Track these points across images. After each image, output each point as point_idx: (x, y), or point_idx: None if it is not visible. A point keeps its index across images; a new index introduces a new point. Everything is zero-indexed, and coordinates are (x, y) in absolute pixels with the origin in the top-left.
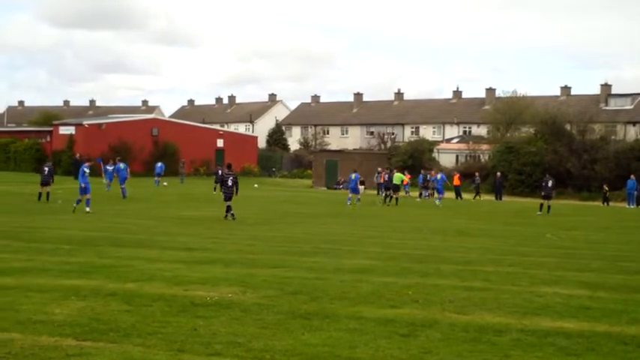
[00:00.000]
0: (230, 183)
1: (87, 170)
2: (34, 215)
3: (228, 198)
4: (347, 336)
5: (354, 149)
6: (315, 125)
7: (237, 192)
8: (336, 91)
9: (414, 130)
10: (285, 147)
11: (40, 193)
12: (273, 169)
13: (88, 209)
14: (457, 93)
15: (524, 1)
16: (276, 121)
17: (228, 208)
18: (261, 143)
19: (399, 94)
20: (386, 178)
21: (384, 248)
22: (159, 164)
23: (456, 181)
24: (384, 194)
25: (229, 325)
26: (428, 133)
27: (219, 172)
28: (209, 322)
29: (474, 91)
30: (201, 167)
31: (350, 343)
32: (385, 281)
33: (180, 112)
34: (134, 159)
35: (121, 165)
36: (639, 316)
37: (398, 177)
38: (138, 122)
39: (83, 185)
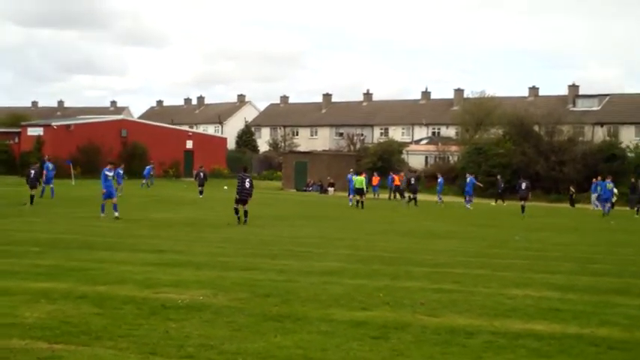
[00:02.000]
0: (248, 185)
1: (109, 174)
2: (3, 218)
3: (243, 201)
4: (319, 338)
5: (324, 150)
6: (284, 126)
7: (251, 195)
8: (305, 92)
9: (383, 131)
10: (255, 148)
11: (31, 197)
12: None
13: (116, 214)
14: (426, 94)
15: (492, 1)
16: (245, 122)
17: (245, 213)
18: (231, 144)
19: (367, 95)
20: (403, 182)
21: (354, 250)
22: (148, 167)
23: (397, 182)
24: (407, 197)
25: (201, 328)
26: (397, 134)
27: (201, 174)
28: (181, 324)
29: (442, 92)
30: (170, 169)
31: (322, 346)
32: (356, 283)
33: (149, 113)
34: (104, 160)
35: (50, 165)
36: (609, 317)
37: (359, 181)
38: (107, 123)
39: (104, 190)
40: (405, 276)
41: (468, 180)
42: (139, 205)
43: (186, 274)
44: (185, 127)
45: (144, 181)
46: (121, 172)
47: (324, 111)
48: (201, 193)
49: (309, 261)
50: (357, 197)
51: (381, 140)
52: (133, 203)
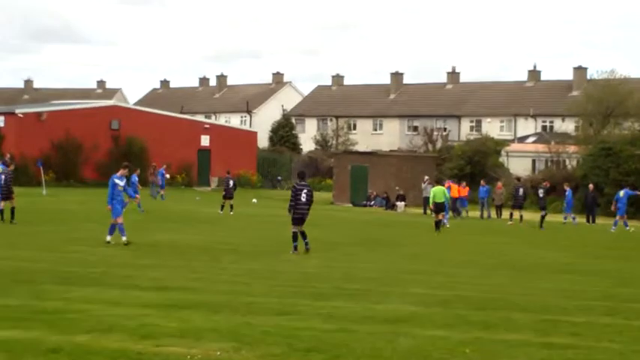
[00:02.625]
0: (304, 198)
1: (119, 183)
2: None
3: (300, 221)
4: None
5: (391, 151)
6: (338, 117)
7: (308, 212)
8: (366, 71)
9: (474, 124)
10: (296, 147)
11: (1, 211)
12: (279, 178)
13: (124, 238)
14: (534, 74)
15: None
16: (283, 110)
17: (304, 235)
18: (262, 141)
19: (453, 75)
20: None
21: (430, 289)
22: (161, 170)
23: (455, 193)
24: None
25: None
26: (494, 128)
27: (230, 182)
28: None
29: (557, 71)
30: (179, 175)
31: None
32: (432, 335)
33: (151, 97)
34: (86, 160)
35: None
36: None
37: (439, 192)
38: (91, 111)
39: (109, 207)
40: (502, 325)
41: (622, 193)
42: (138, 223)
43: (198, 320)
44: (200, 117)
45: (159, 191)
46: (137, 179)
47: (392, 96)
48: (227, 208)
49: (368, 303)
50: (437, 215)
51: (472, 137)
52: (130, 220)
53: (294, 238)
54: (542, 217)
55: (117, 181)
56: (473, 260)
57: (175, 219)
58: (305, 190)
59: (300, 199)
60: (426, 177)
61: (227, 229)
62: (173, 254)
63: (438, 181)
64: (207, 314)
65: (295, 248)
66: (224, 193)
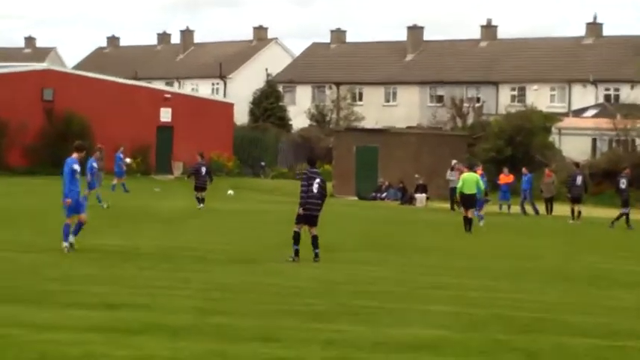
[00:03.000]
0: (316, 190)
1: (76, 168)
2: None
3: (310, 219)
4: None
5: (409, 127)
6: (338, 84)
7: (321, 208)
8: (375, 24)
9: (515, 93)
10: (284, 123)
11: None
12: (262, 164)
13: (71, 239)
14: (594, 27)
15: None
16: (268, 75)
17: (315, 243)
18: (241, 116)
19: (488, 29)
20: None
21: (460, 306)
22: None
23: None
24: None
25: None
26: (542, 99)
27: (203, 169)
28: None
29: (624, 24)
30: (133, 158)
31: None
32: None
33: (94, 59)
34: (12, 142)
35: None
36: None
37: (470, 180)
38: (17, 77)
39: (68, 200)
40: (553, 354)
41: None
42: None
43: (154, 347)
44: (159, 85)
45: (116, 181)
46: (95, 164)
47: (409, 57)
48: (200, 201)
49: (380, 325)
50: (466, 211)
51: (513, 109)
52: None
53: (296, 240)
54: (624, 215)
55: (75, 166)
56: (515, 269)
57: (128, 217)
58: (317, 180)
59: (312, 191)
60: (454, 161)
61: (194, 230)
62: (124, 263)
63: (470, 167)
64: (166, 340)
65: (296, 253)
66: (195, 183)
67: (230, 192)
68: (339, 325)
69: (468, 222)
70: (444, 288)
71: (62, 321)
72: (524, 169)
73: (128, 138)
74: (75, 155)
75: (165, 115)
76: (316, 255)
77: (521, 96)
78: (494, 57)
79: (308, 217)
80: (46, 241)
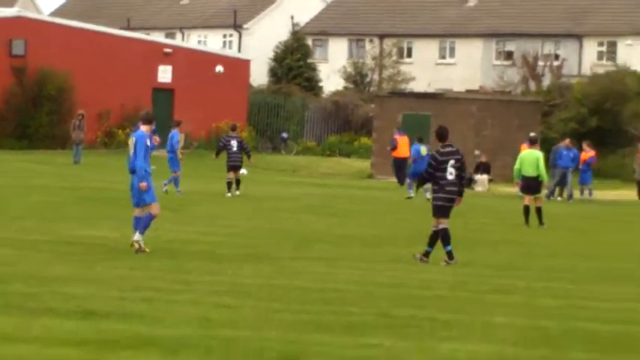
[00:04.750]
0: (452, 175)
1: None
2: None
3: (446, 210)
4: None
5: (469, 91)
6: (382, 36)
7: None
8: None
9: (604, 49)
10: (313, 85)
11: None
12: (284, 136)
13: (137, 237)
14: None
15: None
16: (293, 25)
17: (434, 238)
18: (259, 76)
19: None
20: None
21: (529, 317)
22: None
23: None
24: None
25: None
26: (637, 55)
27: (233, 143)
28: None
29: None
30: (120, 128)
31: None
32: None
33: (77, 5)
34: None
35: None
36: None
37: (531, 159)
38: None
39: (144, 184)
40: None
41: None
42: (48, 206)
43: None
44: (158, 37)
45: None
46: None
47: (471, 2)
48: (230, 186)
49: (430, 339)
50: (528, 198)
51: (601, 69)
52: (33, 204)
53: (434, 238)
54: None
55: (148, 142)
56: (598, 270)
57: (117, 201)
58: (452, 162)
59: (446, 178)
60: (532, 134)
61: (199, 218)
62: (109, 259)
63: (531, 143)
64: (161, 358)
65: (427, 255)
66: (227, 161)
67: (243, 171)
68: (378, 338)
69: (529, 211)
70: (512, 293)
71: (28, 332)
72: (585, 144)
73: (117, 102)
74: (144, 128)
75: (165, 74)
76: (449, 254)
77: (611, 53)
78: (578, 4)
79: (445, 207)
80: (10, 231)
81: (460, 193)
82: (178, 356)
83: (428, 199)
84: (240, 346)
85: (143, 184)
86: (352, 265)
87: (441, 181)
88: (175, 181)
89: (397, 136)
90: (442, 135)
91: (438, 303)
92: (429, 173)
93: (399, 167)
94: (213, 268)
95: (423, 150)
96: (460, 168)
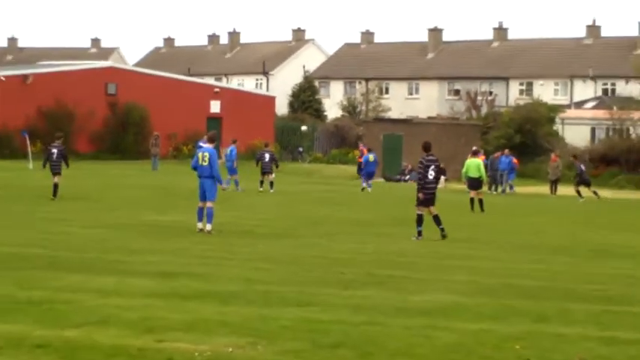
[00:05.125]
0: (432, 176)
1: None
2: None
3: (430, 202)
4: None
5: (429, 118)
6: (367, 79)
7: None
8: (400, 27)
9: (524, 87)
10: (320, 114)
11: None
12: (300, 149)
13: (209, 227)
14: (593, 30)
15: None
16: (305, 72)
17: (438, 221)
18: (281, 107)
19: (499, 32)
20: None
21: (475, 275)
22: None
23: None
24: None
25: None
26: (547, 92)
27: (264, 155)
28: None
29: (620, 26)
30: (185, 145)
31: None
32: (477, 329)
33: (152, 58)
34: (79, 130)
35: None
36: None
37: (473, 165)
38: (85, 73)
39: (224, 186)
40: (557, 317)
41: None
42: (135, 201)
43: (206, 312)
44: (209, 80)
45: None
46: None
47: (430, 56)
48: (262, 184)
49: (403, 292)
50: (473, 192)
51: (522, 102)
52: (125, 199)
53: (419, 221)
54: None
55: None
56: (524, 243)
57: (182, 196)
58: (432, 167)
59: (427, 177)
60: (474, 147)
61: (242, 208)
62: (177, 236)
63: (473, 154)
64: (216, 305)
65: (420, 234)
66: (261, 168)
67: (272, 175)
68: (367, 291)
69: (479, 202)
70: (458, 259)
71: (123, 288)
72: (506, 151)
73: (181, 127)
74: (209, 145)
75: (215, 106)
76: (442, 230)
77: (528, 90)
78: (505, 56)
79: (429, 200)
80: (108, 217)
81: (436, 188)
82: (229, 304)
83: (364, 189)
84: (270, 296)
85: (221, 186)
86: (347, 239)
87: (424, 179)
88: (235, 182)
89: (362, 147)
90: (427, 148)
91: (410, 266)
92: (420, 173)
93: (361, 168)
94: (251, 242)
95: (371, 157)
96: (438, 171)
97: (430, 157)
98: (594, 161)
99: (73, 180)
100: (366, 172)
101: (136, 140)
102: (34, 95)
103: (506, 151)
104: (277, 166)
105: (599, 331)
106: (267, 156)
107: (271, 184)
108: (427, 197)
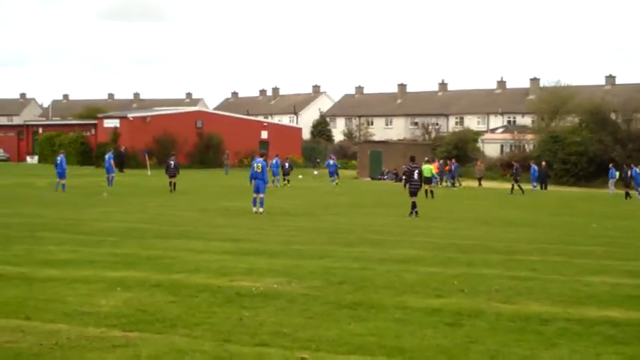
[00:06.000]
0: (416, 176)
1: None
2: (81, 208)
3: (414, 193)
4: (393, 326)
5: (399, 140)
6: (359, 116)
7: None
8: (379, 82)
9: (458, 120)
10: (330, 138)
11: (174, 184)
12: (317, 160)
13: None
14: (501, 83)
15: None
16: (320, 112)
17: (414, 205)
18: (306, 134)
19: (442, 85)
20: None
21: (429, 238)
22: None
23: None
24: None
25: (275, 316)
26: (472, 123)
27: (286, 164)
28: (255, 312)
29: (518, 81)
30: (245, 158)
31: (396, 333)
32: (431, 271)
33: (224, 104)
34: (179, 151)
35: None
36: None
37: (427, 169)
38: (182, 115)
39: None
40: (481, 263)
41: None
42: (215, 194)
43: (260, 263)
44: (260, 118)
45: (274, 178)
46: (278, 162)
47: (399, 101)
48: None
49: (385, 248)
50: (427, 186)
51: (457, 129)
52: (209, 193)
53: (413, 205)
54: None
55: (262, 165)
56: (460, 217)
57: (243, 191)
58: (416, 171)
59: (413, 177)
60: (426, 158)
61: (279, 197)
62: (240, 216)
63: (427, 161)
64: (267, 259)
65: (416, 214)
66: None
67: (300, 176)
68: (362, 248)
69: (426, 192)
70: (419, 228)
71: (208, 248)
72: (454, 160)
73: (243, 148)
74: (262, 159)
75: (264, 134)
76: (416, 213)
77: (461, 122)
78: (446, 101)
79: (412, 192)
80: (198, 204)
81: (420, 185)
82: (273, 257)
83: (335, 184)
84: (300, 253)
85: (268, 185)
86: (347, 216)
87: (411, 180)
88: (274, 182)
89: (332, 156)
90: (412, 159)
91: (388, 233)
92: (406, 175)
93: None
94: (287, 219)
95: (332, 162)
96: (420, 174)
97: (414, 165)
98: (503, 165)
99: (179, 183)
100: (329, 172)
101: (215, 156)
102: (151, 129)
103: (454, 159)
104: (292, 169)
105: (507, 272)
106: (286, 164)
107: (288, 181)
108: (412, 190)
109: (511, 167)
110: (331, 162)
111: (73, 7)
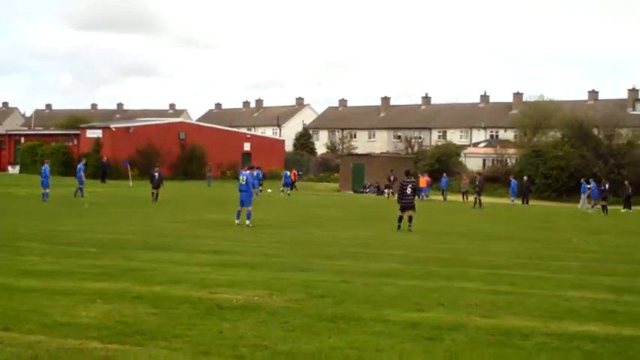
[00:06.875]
0: (409, 191)
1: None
2: (62, 218)
3: (406, 208)
4: (373, 339)
5: (381, 153)
6: (342, 129)
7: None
8: (363, 95)
9: (441, 134)
10: (312, 151)
11: (156, 195)
12: (300, 173)
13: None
14: (484, 97)
15: (551, 6)
16: (303, 124)
17: (410, 219)
18: (289, 147)
19: (426, 98)
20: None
21: (409, 251)
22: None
23: (422, 184)
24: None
25: (255, 328)
26: (455, 137)
27: (261, 175)
28: (235, 325)
29: (501, 95)
30: (228, 170)
31: (376, 346)
32: (411, 284)
33: (208, 116)
34: (162, 162)
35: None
36: None
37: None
38: (165, 126)
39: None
40: (461, 277)
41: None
42: (197, 206)
43: (241, 275)
44: (243, 130)
45: (282, 189)
46: (261, 175)
47: (382, 114)
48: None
49: (365, 262)
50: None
51: (439, 143)
52: (191, 205)
53: (400, 220)
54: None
55: (249, 178)
56: (440, 231)
57: (227, 203)
58: (410, 185)
59: (406, 192)
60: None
61: (263, 209)
62: (224, 228)
63: (406, 174)
64: (248, 271)
65: (399, 227)
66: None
67: (269, 190)
68: (342, 262)
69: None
70: (400, 241)
71: (189, 260)
72: (444, 174)
73: (226, 159)
74: (248, 171)
75: (247, 146)
76: (410, 226)
77: (443, 136)
78: (429, 115)
79: (405, 207)
80: (180, 215)
81: (413, 200)
82: (255, 270)
83: (287, 194)
84: (281, 265)
85: (253, 197)
86: (329, 229)
87: (403, 194)
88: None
89: (294, 170)
90: (407, 173)
91: (368, 246)
92: (400, 190)
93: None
94: (271, 231)
95: (288, 174)
96: (413, 189)
97: (408, 180)
98: (486, 179)
99: (160, 194)
100: (284, 182)
101: (198, 168)
102: (134, 140)
103: (444, 174)
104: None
105: (487, 286)
106: (261, 174)
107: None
108: (404, 205)
109: (496, 179)
110: (288, 173)
111: (57, 17)
